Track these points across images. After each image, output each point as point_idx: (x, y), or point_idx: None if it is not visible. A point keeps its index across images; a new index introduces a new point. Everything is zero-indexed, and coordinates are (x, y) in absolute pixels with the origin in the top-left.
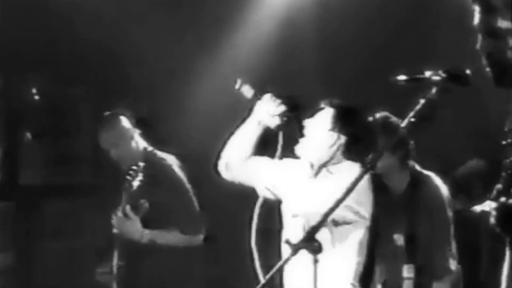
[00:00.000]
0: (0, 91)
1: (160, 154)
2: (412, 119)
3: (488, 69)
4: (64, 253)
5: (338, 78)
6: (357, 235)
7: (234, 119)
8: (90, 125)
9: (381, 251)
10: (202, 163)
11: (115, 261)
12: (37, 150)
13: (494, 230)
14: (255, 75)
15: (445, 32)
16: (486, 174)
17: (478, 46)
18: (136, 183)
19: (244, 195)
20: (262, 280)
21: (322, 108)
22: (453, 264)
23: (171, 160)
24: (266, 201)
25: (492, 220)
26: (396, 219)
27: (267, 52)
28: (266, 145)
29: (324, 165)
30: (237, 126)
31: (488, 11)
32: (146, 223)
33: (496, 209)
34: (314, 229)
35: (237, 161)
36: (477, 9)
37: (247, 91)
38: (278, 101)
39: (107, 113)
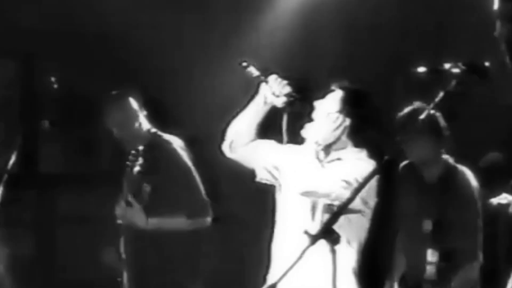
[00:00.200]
0: (20, 80)
1: (165, 136)
2: (432, 111)
3: (507, 56)
4: (85, 241)
5: (359, 63)
6: (364, 224)
7: (242, 100)
8: None
9: (405, 238)
10: (209, 145)
11: (121, 248)
12: (56, 139)
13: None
14: (268, 58)
15: (463, 21)
16: (504, 167)
17: (496, 33)
18: (136, 168)
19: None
20: (283, 271)
21: (332, 90)
22: (480, 252)
23: (176, 142)
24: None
25: (510, 211)
26: (427, 205)
27: (286, 36)
28: (270, 129)
29: (329, 146)
30: (243, 107)
31: None
32: (150, 209)
33: None
34: (332, 220)
35: (241, 141)
36: None
37: (253, 72)
38: (284, 82)
39: (114, 92)
